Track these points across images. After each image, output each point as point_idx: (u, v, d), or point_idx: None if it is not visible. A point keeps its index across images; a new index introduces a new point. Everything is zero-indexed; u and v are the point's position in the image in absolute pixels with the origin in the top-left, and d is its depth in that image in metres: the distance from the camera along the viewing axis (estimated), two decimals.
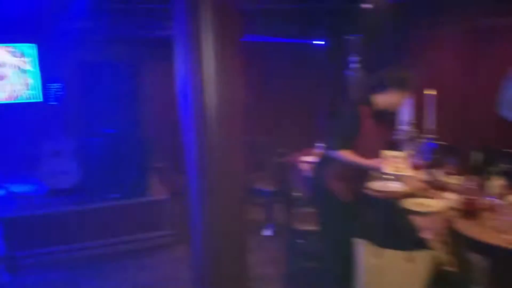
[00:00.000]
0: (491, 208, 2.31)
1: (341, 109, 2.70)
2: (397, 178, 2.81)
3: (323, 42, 6.48)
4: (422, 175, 2.97)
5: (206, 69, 2.10)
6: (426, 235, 2.30)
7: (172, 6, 2.37)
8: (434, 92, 2.80)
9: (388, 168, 2.58)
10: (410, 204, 2.56)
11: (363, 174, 2.88)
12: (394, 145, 3.02)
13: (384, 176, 2.88)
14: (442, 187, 2.79)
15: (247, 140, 4.51)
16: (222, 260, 2.36)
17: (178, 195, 3.94)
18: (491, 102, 4.45)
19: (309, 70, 6.29)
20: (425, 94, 2.83)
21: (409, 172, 2.66)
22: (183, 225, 2.79)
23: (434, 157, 2.94)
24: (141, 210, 4.24)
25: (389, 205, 2.65)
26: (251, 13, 4.58)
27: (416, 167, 2.84)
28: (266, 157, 4.40)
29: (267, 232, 4.37)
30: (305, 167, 3.56)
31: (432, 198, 2.65)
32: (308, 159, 3.70)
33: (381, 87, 2.60)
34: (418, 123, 2.86)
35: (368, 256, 2.44)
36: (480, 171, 2.78)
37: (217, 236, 2.34)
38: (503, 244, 1.88)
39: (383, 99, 2.62)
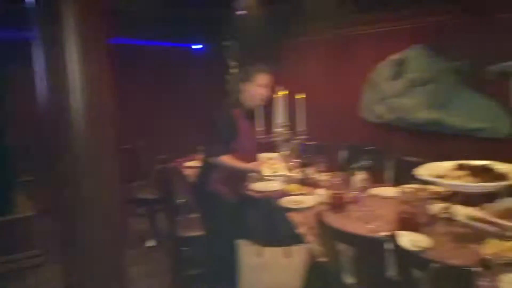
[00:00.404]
0: (356, 201, 2.55)
1: (217, 113, 2.75)
2: (275, 178, 2.95)
3: (201, 46, 6.55)
4: (296, 174, 3.15)
5: (71, 74, 1.95)
6: (302, 230, 2.45)
7: (32, 7, 2.16)
8: (303, 96, 3.01)
9: (266, 170, 2.71)
10: (287, 202, 2.70)
11: (245, 176, 2.97)
12: (270, 147, 3.16)
13: (263, 177, 3.00)
14: (314, 184, 3.00)
15: (126, 148, 4.31)
16: (98, 277, 2.21)
17: (48, 211, 3.60)
18: (353, 104, 4.95)
19: (190, 74, 6.29)
20: (296, 98, 3.03)
21: (285, 172, 2.83)
22: (53, 244, 2.55)
23: (306, 156, 3.15)
24: (5, 229, 3.78)
25: (268, 204, 2.76)
26: (127, 16, 4.40)
27: (290, 167, 3.01)
28: (148, 165, 4.27)
29: (151, 243, 4.23)
30: (188, 172, 3.54)
31: (305, 195, 2.83)
32: (191, 164, 3.68)
33: (241, 84, 2.72)
34: (291, 125, 3.05)
35: (250, 256, 2.52)
36: (346, 167, 3.04)
37: (91, 253, 2.18)
38: (366, 233, 2.08)
39: (246, 96, 2.73)
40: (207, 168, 2.79)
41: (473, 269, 1.52)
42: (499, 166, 2.05)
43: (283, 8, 4.82)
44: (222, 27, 5.33)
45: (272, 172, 2.72)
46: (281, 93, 3.02)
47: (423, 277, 1.49)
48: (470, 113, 3.86)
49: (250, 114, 2.77)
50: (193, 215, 3.27)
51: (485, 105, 3.78)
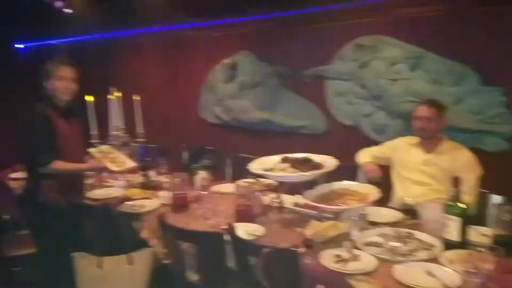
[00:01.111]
0: (198, 199, 2.63)
1: (29, 116, 2.56)
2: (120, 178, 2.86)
3: (22, 46, 5.88)
4: (137, 177, 3.09)
5: None
6: (144, 234, 2.42)
7: None
8: (138, 98, 2.97)
9: (110, 165, 2.54)
10: (128, 207, 2.63)
11: (79, 182, 2.79)
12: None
13: (102, 184, 2.87)
14: (156, 187, 2.99)
15: None
16: None
17: None
18: (192, 105, 5.07)
19: (9, 76, 5.56)
20: (133, 99, 2.97)
21: (131, 165, 2.66)
22: None
23: (146, 159, 3.11)
24: None
25: (107, 211, 2.64)
26: None
27: (131, 171, 2.93)
28: None
29: None
30: (14, 184, 3.16)
31: (147, 198, 2.79)
32: (16, 176, 3.29)
33: (46, 81, 2.59)
34: (128, 128, 2.97)
35: (88, 268, 2.38)
36: (187, 168, 3.11)
37: None
38: (208, 229, 2.17)
39: (52, 92, 2.59)
40: (35, 177, 2.54)
41: (298, 249, 1.73)
42: (317, 158, 2.37)
43: (113, 7, 4.65)
44: (45, 25, 4.89)
45: (117, 167, 2.56)
46: (116, 94, 2.92)
47: (256, 262, 1.63)
48: (293, 112, 4.34)
49: (65, 112, 2.61)
50: (22, 232, 2.95)
51: (304, 105, 4.29)
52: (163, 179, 3.05)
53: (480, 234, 1.95)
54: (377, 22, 3.73)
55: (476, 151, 2.72)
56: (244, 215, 2.31)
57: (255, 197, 2.42)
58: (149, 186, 3.01)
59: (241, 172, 2.76)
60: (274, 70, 4.42)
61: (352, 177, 2.78)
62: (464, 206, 1.85)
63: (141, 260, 2.42)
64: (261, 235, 2.09)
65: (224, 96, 4.79)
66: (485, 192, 2.49)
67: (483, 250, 1.63)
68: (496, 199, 2.39)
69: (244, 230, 2.08)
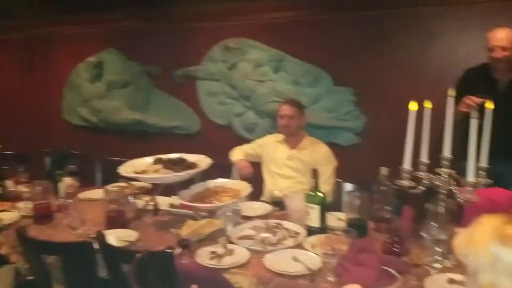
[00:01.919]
0: (63, 208, 2.45)
1: None
2: None
3: None
4: None
5: None
6: (4, 250, 2.18)
7: None
8: None
9: None
10: None
11: None
12: None
13: None
14: (15, 198, 2.70)
15: None
16: None
17: None
18: (54, 107, 4.68)
19: None
20: None
21: None
22: None
23: (2, 167, 2.80)
24: None
25: None
26: None
27: None
28: None
29: None
30: None
31: (5, 211, 2.51)
32: None
33: None
34: None
35: None
36: (50, 175, 2.87)
37: None
38: (74, 239, 2.04)
39: None
40: None
41: (173, 251, 1.74)
42: (190, 157, 2.39)
43: None
44: None
45: None
46: None
47: (129, 269, 1.59)
48: (167, 113, 4.31)
49: None
50: None
51: (177, 105, 4.29)
52: (23, 188, 2.77)
53: (337, 219, 2.19)
54: (242, 25, 3.91)
55: (332, 145, 3.04)
56: (116, 221, 2.22)
57: (127, 202, 2.35)
58: (6, 197, 2.71)
59: (112, 176, 2.64)
60: (144, 69, 4.32)
61: (227, 175, 2.88)
62: (322, 195, 2.06)
63: (1, 278, 2.18)
64: (134, 240, 2.05)
65: (90, 96, 4.52)
66: (340, 181, 2.80)
67: (339, 233, 1.84)
68: (348, 187, 2.71)
69: (116, 237, 2.02)
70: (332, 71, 3.64)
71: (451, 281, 1.55)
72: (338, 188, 2.77)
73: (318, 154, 2.84)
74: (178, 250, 1.82)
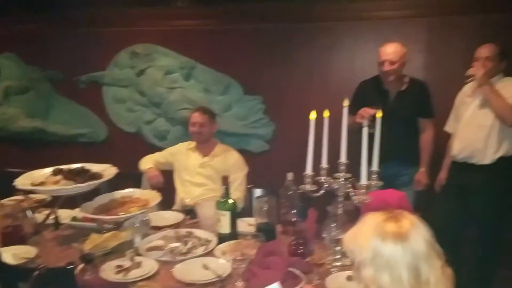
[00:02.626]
0: None
1: None
2: None
3: None
4: None
5: None
6: None
7: None
8: None
9: None
10: None
11: None
12: None
13: None
14: None
15: None
16: None
17: None
18: None
19: None
20: None
21: None
22: None
23: None
24: None
25: None
26: None
27: None
28: None
29: None
30: None
31: None
32: None
33: None
34: None
35: None
36: None
37: None
38: None
39: None
40: None
41: (74, 266, 1.65)
42: (94, 167, 2.29)
43: None
44: None
45: None
46: None
47: None
48: (69, 120, 4.09)
49: None
50: None
51: (82, 112, 4.08)
52: None
53: (248, 225, 2.24)
54: (151, 31, 3.85)
55: (243, 152, 3.11)
56: (12, 237, 2.05)
57: (25, 216, 2.18)
58: None
59: (7, 189, 2.43)
60: (44, 74, 4.06)
61: (138, 184, 2.80)
62: (232, 201, 2.09)
63: None
64: (33, 257, 1.91)
65: None
66: (251, 187, 2.87)
67: (249, 238, 1.89)
68: (258, 192, 2.79)
69: (13, 254, 1.87)
70: (242, 80, 3.72)
71: (350, 278, 1.67)
72: (249, 194, 2.84)
73: (230, 161, 2.88)
74: (80, 266, 1.73)
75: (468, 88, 2.83)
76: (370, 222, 1.12)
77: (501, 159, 2.65)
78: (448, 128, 2.96)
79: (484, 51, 2.65)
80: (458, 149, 2.77)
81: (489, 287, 2.84)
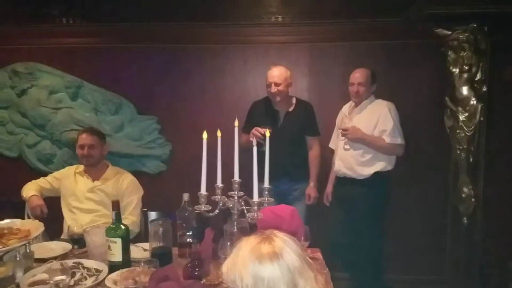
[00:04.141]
0: None
1: None
2: None
3: None
4: None
5: None
6: None
7: None
8: None
9: None
10: None
11: None
12: None
13: None
14: None
15: None
16: None
17: None
18: None
19: None
20: None
21: None
22: None
23: None
24: None
25: None
26: None
27: None
28: None
29: None
30: None
31: None
32: None
33: None
34: None
35: None
36: None
37: None
38: None
39: None
40: None
41: None
42: None
43: None
44: None
45: None
46: None
47: None
48: None
49: None
50: None
51: None
52: None
53: (143, 250, 2.16)
54: (33, 49, 3.60)
55: (139, 174, 3.02)
56: None
57: None
58: None
59: None
60: None
61: (20, 214, 2.59)
62: (124, 227, 2.01)
63: None
64: None
65: None
66: (146, 210, 2.78)
67: (142, 264, 1.82)
68: (153, 215, 2.71)
69: None
70: (135, 100, 3.63)
71: None
72: (144, 218, 2.75)
73: (123, 184, 2.76)
74: None
75: (346, 108, 3.11)
76: (245, 247, 1.12)
77: (377, 174, 2.94)
78: (331, 145, 3.21)
79: (357, 76, 2.95)
80: (338, 165, 3.03)
81: None
